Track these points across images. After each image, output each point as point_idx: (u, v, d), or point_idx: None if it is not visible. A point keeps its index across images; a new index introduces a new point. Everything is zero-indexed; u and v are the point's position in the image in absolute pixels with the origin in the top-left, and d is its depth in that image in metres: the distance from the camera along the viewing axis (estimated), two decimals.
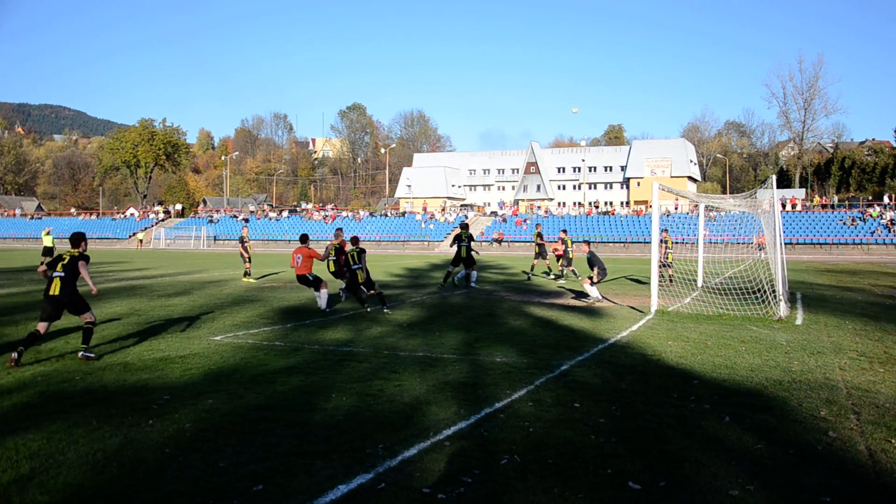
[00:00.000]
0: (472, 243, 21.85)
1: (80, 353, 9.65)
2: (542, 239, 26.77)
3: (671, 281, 21.20)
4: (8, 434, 6.09)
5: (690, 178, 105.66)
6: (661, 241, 22.49)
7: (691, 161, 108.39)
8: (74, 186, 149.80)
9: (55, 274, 9.65)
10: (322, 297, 15.36)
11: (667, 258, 22.67)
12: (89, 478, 5.12)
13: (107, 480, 5.08)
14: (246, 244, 24.95)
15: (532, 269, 26.80)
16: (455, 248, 21.15)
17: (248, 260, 24.72)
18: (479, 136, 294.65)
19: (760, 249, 51.60)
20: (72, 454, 5.61)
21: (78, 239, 10.10)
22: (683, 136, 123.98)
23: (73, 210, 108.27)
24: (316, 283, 15.57)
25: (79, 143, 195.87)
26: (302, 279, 15.69)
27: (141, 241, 74.32)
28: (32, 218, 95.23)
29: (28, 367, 9.00)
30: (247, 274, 24.06)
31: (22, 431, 6.17)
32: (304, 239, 16.53)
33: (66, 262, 9.72)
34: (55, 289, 9.52)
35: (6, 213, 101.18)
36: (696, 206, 62.68)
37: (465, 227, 21.20)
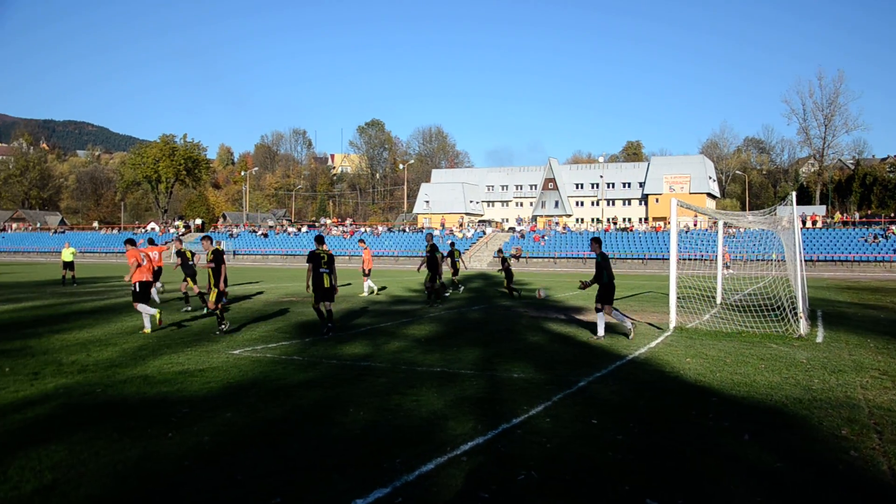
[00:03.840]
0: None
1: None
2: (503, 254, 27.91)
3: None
4: (31, 444, 6.16)
5: (709, 194, 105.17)
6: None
7: (710, 178, 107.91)
8: (97, 201, 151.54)
9: None
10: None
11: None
12: (110, 489, 5.17)
13: (127, 492, 5.12)
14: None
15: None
16: (448, 261, 22.15)
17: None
18: (486, 153, 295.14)
19: (727, 267, 51.83)
20: (93, 465, 5.66)
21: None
22: (702, 152, 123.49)
23: (95, 224, 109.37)
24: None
25: (101, 159, 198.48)
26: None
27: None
28: (56, 232, 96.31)
29: (51, 380, 9.09)
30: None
31: (45, 442, 6.24)
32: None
33: None
34: None
35: (31, 228, 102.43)
36: (715, 222, 62.50)
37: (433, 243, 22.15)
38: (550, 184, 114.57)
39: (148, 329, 13.91)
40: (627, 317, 13.79)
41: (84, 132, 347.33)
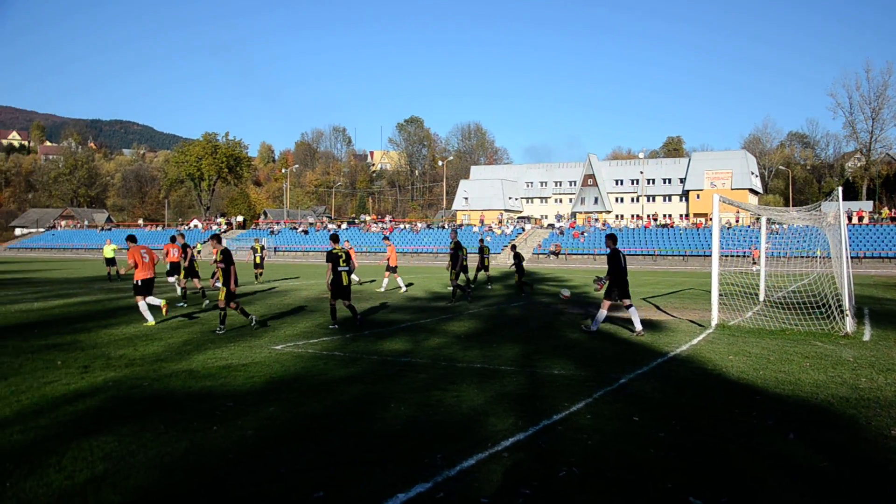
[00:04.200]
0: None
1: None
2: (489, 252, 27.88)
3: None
4: (83, 435, 6.33)
5: (751, 190, 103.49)
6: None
7: (752, 173, 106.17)
8: (142, 199, 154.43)
9: None
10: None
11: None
12: (158, 480, 5.29)
13: (174, 484, 5.24)
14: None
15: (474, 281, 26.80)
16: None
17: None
18: (524, 150, 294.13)
19: (755, 263, 51.09)
20: (141, 457, 5.79)
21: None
22: (744, 147, 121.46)
23: (140, 221, 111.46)
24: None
25: (146, 157, 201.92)
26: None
27: (199, 251, 76.20)
28: (103, 229, 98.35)
29: (100, 373, 9.32)
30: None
31: (95, 433, 6.41)
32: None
33: None
34: None
35: (79, 225, 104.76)
36: (758, 218, 61.49)
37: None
38: (590, 180, 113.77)
39: (151, 322, 14.61)
40: (598, 322, 13.78)
41: (129, 131, 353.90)
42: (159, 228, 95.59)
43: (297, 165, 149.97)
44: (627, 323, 15.64)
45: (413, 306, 19.45)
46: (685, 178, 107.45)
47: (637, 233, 67.28)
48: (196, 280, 20.26)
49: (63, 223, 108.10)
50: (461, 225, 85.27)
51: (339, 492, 5.08)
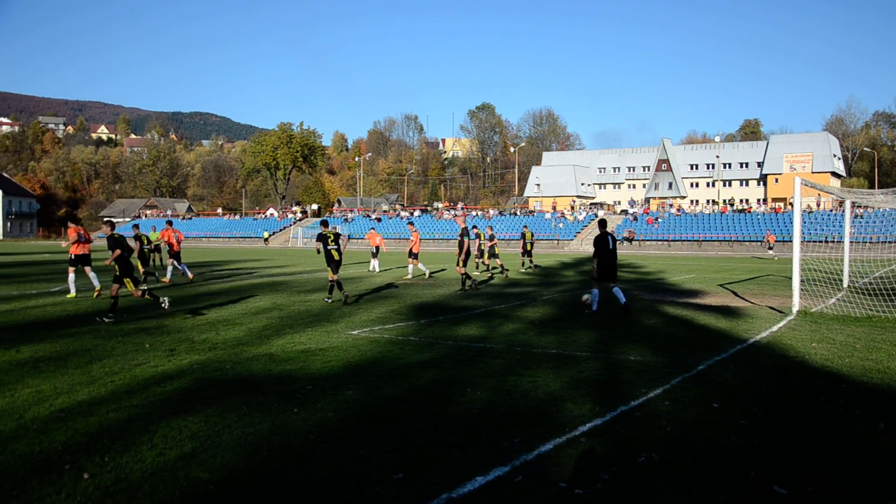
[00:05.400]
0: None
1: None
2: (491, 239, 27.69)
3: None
4: (172, 415, 6.57)
5: (834, 173, 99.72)
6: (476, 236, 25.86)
7: (835, 156, 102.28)
8: (220, 188, 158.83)
9: None
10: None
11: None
12: (243, 459, 5.45)
13: (258, 462, 5.39)
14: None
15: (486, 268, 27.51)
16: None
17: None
18: (594, 135, 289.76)
19: (770, 248, 48.88)
20: (227, 437, 5.98)
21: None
22: (826, 129, 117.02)
23: (219, 210, 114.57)
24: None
25: (224, 148, 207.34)
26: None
27: (266, 239, 78.09)
28: (184, 218, 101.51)
29: (185, 356, 9.65)
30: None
31: (183, 413, 6.65)
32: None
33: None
34: None
35: (162, 214, 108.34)
36: (841, 203, 59.23)
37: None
38: (664, 165, 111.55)
39: (73, 293, 17.56)
40: (594, 303, 14.66)
41: (208, 123, 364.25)
42: (237, 217, 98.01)
43: (369, 154, 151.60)
44: (703, 310, 15.35)
45: (486, 292, 19.48)
46: (763, 162, 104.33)
47: (713, 218, 65.73)
48: (141, 266, 21.81)
49: (147, 213, 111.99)
50: (532, 211, 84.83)
51: (418, 474, 5.14)
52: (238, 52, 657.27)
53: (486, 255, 27.19)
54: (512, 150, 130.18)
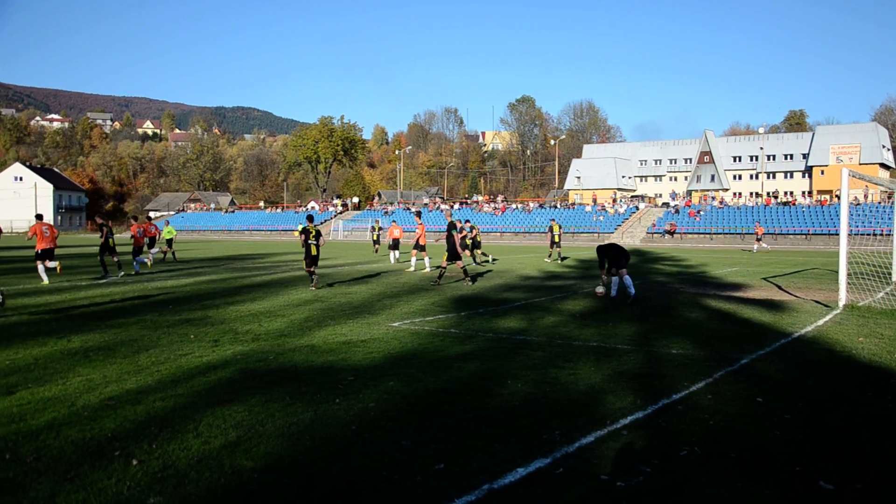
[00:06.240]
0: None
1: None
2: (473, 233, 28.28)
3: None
4: (216, 405, 6.68)
5: (883, 164, 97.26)
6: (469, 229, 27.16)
7: (884, 146, 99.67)
8: (262, 182, 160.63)
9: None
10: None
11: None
12: (286, 448, 5.52)
13: (301, 451, 5.45)
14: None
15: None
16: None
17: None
18: (633, 128, 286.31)
19: (758, 240, 48.19)
20: (270, 426, 6.07)
21: None
22: (875, 119, 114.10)
23: (261, 204, 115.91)
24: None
25: (266, 142, 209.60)
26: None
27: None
28: (227, 212, 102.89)
29: (229, 347, 9.80)
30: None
31: (227, 403, 6.76)
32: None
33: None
34: None
35: (205, 208, 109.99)
36: (891, 194, 57.74)
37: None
38: (706, 157, 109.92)
39: (46, 281, 19.08)
40: (612, 288, 15.82)
41: (250, 117, 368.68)
42: (279, 210, 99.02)
43: (409, 147, 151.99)
44: (746, 303, 15.14)
45: (526, 285, 19.42)
46: (808, 154, 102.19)
47: (756, 211, 64.60)
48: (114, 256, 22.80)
49: (191, 206, 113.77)
50: (573, 204, 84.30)
51: (460, 464, 5.16)
52: (280, 48, 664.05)
53: (471, 248, 27.70)
54: (552, 142, 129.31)
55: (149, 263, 25.69)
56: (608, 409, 6.60)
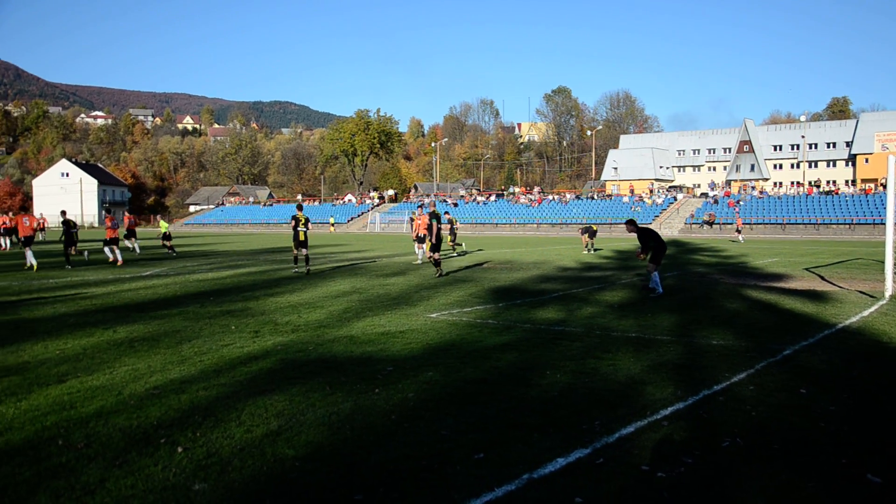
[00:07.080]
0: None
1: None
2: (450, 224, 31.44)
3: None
4: (258, 395, 6.78)
5: None
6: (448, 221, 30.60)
7: None
8: (300, 175, 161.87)
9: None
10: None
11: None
12: (327, 437, 5.58)
13: (342, 440, 5.51)
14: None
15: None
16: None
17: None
18: (668, 118, 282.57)
19: (738, 232, 47.28)
20: (310, 415, 6.14)
21: None
22: None
23: (299, 197, 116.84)
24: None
25: (303, 136, 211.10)
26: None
27: (332, 226, 78.95)
28: (265, 205, 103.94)
29: (269, 337, 9.92)
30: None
31: (269, 393, 6.85)
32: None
33: None
34: None
35: (244, 201, 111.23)
36: None
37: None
38: (746, 146, 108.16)
39: (33, 264, 22.32)
40: (658, 284, 14.85)
41: (288, 111, 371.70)
42: (316, 203, 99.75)
43: (445, 139, 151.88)
44: (788, 294, 14.91)
45: (564, 276, 19.35)
46: (852, 142, 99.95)
47: (797, 200, 63.45)
48: (73, 248, 25.24)
49: (231, 200, 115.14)
50: (610, 195, 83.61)
51: (499, 454, 5.16)
52: (316, 43, 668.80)
53: (450, 238, 30.71)
54: (588, 133, 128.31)
55: (115, 261, 24.76)
56: (648, 400, 6.56)
